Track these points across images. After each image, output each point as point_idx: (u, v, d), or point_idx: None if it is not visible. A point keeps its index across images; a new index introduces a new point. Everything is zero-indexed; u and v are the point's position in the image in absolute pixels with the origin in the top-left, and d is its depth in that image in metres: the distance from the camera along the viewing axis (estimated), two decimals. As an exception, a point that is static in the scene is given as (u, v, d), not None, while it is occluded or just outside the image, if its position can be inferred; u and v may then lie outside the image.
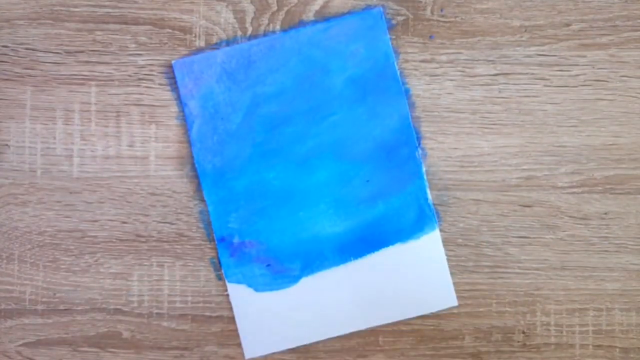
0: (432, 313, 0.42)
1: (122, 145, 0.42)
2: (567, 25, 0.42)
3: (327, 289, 0.42)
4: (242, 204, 0.42)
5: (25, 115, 0.42)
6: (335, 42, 0.42)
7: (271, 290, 0.42)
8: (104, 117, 0.42)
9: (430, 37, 0.42)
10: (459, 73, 0.42)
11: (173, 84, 0.42)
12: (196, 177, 0.42)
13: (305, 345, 0.42)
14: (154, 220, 0.42)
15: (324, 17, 0.42)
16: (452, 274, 0.42)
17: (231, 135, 0.42)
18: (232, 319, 0.42)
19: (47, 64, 0.42)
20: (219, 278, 0.42)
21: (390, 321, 0.42)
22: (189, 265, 0.42)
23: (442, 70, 0.42)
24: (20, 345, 0.42)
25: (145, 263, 0.42)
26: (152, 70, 0.42)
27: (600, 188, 0.42)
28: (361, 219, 0.42)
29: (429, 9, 0.42)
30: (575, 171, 0.42)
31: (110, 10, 0.42)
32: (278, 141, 0.42)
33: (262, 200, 0.42)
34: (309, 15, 0.42)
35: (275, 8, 0.42)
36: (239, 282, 0.42)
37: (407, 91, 0.42)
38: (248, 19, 0.42)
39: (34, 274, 0.42)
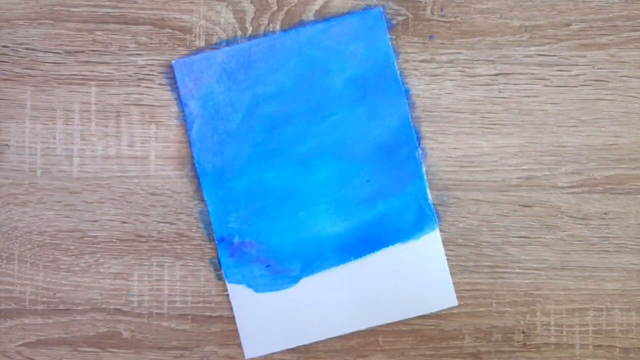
0: (432, 313, 0.42)
1: (122, 145, 0.42)
2: (567, 25, 0.42)
3: (327, 289, 0.42)
4: (242, 204, 0.42)
5: (25, 115, 0.42)
6: (335, 42, 0.42)
7: (271, 290, 0.42)
8: (104, 117, 0.42)
9: (430, 37, 0.42)
10: (459, 73, 0.42)
11: (173, 84, 0.42)
12: (196, 177, 0.42)
13: (305, 345, 0.42)
14: (154, 220, 0.42)
15: (324, 17, 0.42)
16: (452, 274, 0.42)
17: (231, 135, 0.42)
18: (232, 319, 0.42)
19: (47, 64, 0.42)
20: (219, 278, 0.42)
21: (390, 321, 0.42)
22: (189, 265, 0.42)
23: (442, 70, 0.42)
24: (20, 345, 0.42)
25: (145, 263, 0.42)
26: (152, 70, 0.42)
27: (600, 188, 0.42)
28: (361, 219, 0.42)
29: (429, 9, 0.42)
30: (575, 171, 0.42)
31: (110, 10, 0.42)
32: (278, 141, 0.42)
33: (262, 200, 0.42)
34: (309, 15, 0.42)
35: (275, 8, 0.42)
36: (238, 282, 0.42)
37: (407, 91, 0.42)
38: (248, 19, 0.42)
39: (34, 274, 0.42)
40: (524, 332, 0.42)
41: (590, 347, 0.42)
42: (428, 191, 0.42)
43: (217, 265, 0.42)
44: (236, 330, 0.42)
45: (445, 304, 0.42)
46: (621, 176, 0.42)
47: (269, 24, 0.42)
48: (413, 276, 0.42)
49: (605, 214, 0.42)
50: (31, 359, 0.42)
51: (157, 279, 0.42)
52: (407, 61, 0.42)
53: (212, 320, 0.42)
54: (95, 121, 0.42)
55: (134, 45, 0.42)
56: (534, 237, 0.42)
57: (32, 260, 0.42)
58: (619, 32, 0.42)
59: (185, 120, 0.42)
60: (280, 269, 0.42)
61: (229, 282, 0.42)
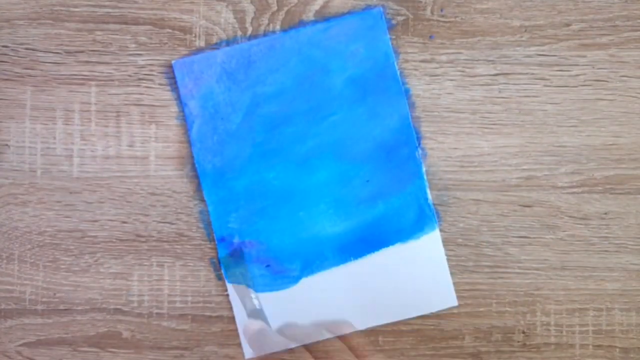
0: (432, 313, 0.42)
1: (122, 145, 0.42)
2: (567, 25, 0.42)
3: (327, 289, 0.42)
4: (242, 204, 0.42)
5: (25, 115, 0.42)
6: (335, 42, 0.42)
7: (271, 290, 0.42)
8: (104, 117, 0.42)
9: (430, 37, 0.42)
10: (459, 73, 0.42)
11: (173, 84, 0.42)
12: (196, 177, 0.42)
13: (305, 345, 0.42)
14: (154, 220, 0.42)
15: (324, 17, 0.42)
16: (452, 274, 0.42)
17: (231, 135, 0.42)
18: (232, 319, 0.42)
19: (47, 64, 0.42)
20: (219, 278, 0.42)
21: (390, 321, 0.42)
22: (189, 265, 0.42)
23: (442, 70, 0.42)
24: (20, 345, 0.42)
25: (145, 263, 0.42)
26: (152, 70, 0.42)
27: (600, 188, 0.42)
28: (361, 219, 0.42)
29: (429, 9, 0.42)
30: (575, 171, 0.42)
31: (110, 10, 0.42)
32: (278, 141, 0.42)
33: (262, 200, 0.42)
34: (309, 15, 0.42)
35: (275, 8, 0.42)
36: (238, 282, 0.42)
37: (407, 91, 0.42)
38: (248, 19, 0.42)
39: (34, 274, 0.42)
40: (524, 332, 0.42)
41: (590, 347, 0.42)
42: (428, 191, 0.42)
43: (217, 265, 0.42)
44: (236, 330, 0.42)
45: (445, 304, 0.42)
46: (621, 176, 0.42)
47: (269, 24, 0.42)
48: (413, 276, 0.42)
49: (605, 214, 0.42)
50: (31, 359, 0.42)
51: (157, 279, 0.42)
52: (407, 61, 0.42)
53: (212, 320, 0.42)
54: (95, 121, 0.42)
55: (134, 45, 0.42)
56: (534, 237, 0.42)
57: (32, 260, 0.42)
58: (619, 32, 0.42)
59: (185, 120, 0.42)
60: (280, 269, 0.42)
61: (229, 282, 0.42)
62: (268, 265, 0.42)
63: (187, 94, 0.42)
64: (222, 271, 0.42)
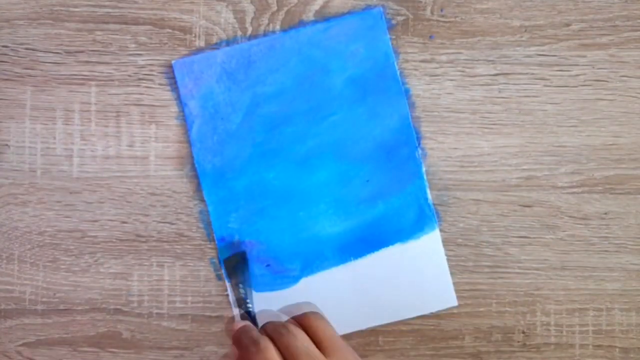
0: (432, 313, 0.42)
1: (122, 145, 0.42)
2: (567, 25, 0.42)
3: (327, 289, 0.42)
4: (242, 204, 0.42)
5: (25, 115, 0.42)
6: (335, 42, 0.42)
7: (271, 290, 0.42)
8: (104, 117, 0.42)
9: (430, 37, 0.42)
10: (459, 73, 0.42)
11: (173, 84, 0.42)
12: (196, 177, 0.42)
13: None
14: (154, 220, 0.42)
15: (324, 17, 0.42)
16: (452, 274, 0.42)
17: (231, 135, 0.42)
18: (231, 320, 0.42)
19: (47, 64, 0.42)
20: (219, 278, 0.42)
21: (390, 321, 0.42)
22: (189, 265, 0.42)
23: (442, 70, 0.42)
24: (20, 345, 0.42)
25: (145, 263, 0.42)
26: (152, 70, 0.42)
27: (600, 188, 0.42)
28: (361, 219, 0.42)
29: (429, 9, 0.42)
30: (575, 171, 0.42)
31: (110, 10, 0.42)
32: (278, 141, 0.42)
33: (262, 200, 0.42)
34: (309, 15, 0.42)
35: (275, 8, 0.42)
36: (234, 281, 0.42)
37: (407, 91, 0.42)
38: (248, 19, 0.42)
39: (34, 274, 0.42)
40: (524, 332, 0.42)
41: (590, 347, 0.42)
42: (428, 191, 0.42)
43: (217, 265, 0.42)
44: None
45: (445, 304, 0.42)
46: (621, 176, 0.42)
47: (269, 24, 0.42)
48: (413, 276, 0.42)
49: (605, 214, 0.42)
50: (31, 359, 0.42)
51: (157, 279, 0.42)
52: (407, 61, 0.42)
53: (212, 320, 0.42)
54: (95, 121, 0.42)
55: (134, 45, 0.42)
56: (534, 237, 0.42)
57: (32, 260, 0.42)
58: (619, 32, 0.42)
59: (185, 120, 0.42)
60: (280, 269, 0.42)
61: (229, 282, 0.42)
62: (268, 265, 0.42)
63: (187, 94, 0.42)
64: (222, 271, 0.42)
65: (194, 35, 0.42)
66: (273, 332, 0.35)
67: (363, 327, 0.42)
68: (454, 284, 0.42)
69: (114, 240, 0.42)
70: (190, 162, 0.42)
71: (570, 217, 0.42)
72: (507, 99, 0.42)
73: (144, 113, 0.42)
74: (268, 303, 0.42)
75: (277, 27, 0.42)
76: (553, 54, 0.42)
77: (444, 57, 0.42)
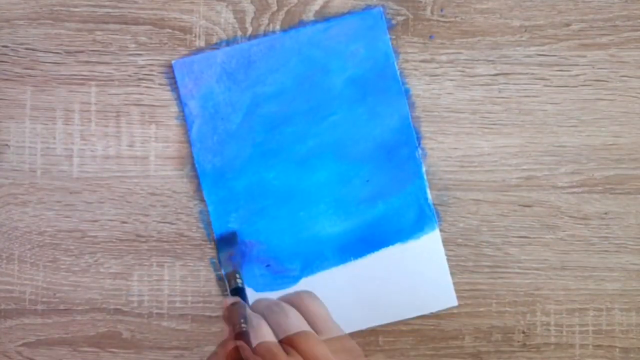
0: (432, 313, 0.42)
1: (122, 145, 0.42)
2: (567, 25, 0.42)
3: (327, 289, 0.42)
4: (242, 204, 0.42)
5: (25, 115, 0.42)
6: (335, 42, 0.42)
7: (271, 290, 0.42)
8: (104, 117, 0.42)
9: (430, 37, 0.42)
10: (459, 73, 0.42)
11: (173, 84, 0.42)
12: (196, 177, 0.42)
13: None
14: (154, 220, 0.42)
15: (324, 17, 0.42)
16: (452, 274, 0.42)
17: (231, 135, 0.42)
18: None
19: (47, 64, 0.42)
20: (219, 278, 0.42)
21: (390, 321, 0.42)
22: (189, 265, 0.42)
23: (442, 70, 0.42)
24: (20, 345, 0.42)
25: (145, 263, 0.42)
26: (152, 70, 0.42)
27: (600, 188, 0.42)
28: (361, 219, 0.42)
29: (429, 9, 0.42)
30: (575, 171, 0.42)
31: (110, 10, 0.42)
32: (278, 141, 0.42)
33: (262, 200, 0.42)
34: (309, 15, 0.42)
35: (275, 8, 0.42)
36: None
37: (407, 91, 0.42)
38: (248, 19, 0.42)
39: (34, 274, 0.42)
40: (524, 332, 0.42)
41: (590, 347, 0.42)
42: (428, 191, 0.42)
43: (217, 265, 0.42)
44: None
45: (445, 304, 0.42)
46: (621, 176, 0.42)
47: (269, 24, 0.42)
48: (413, 276, 0.42)
49: (605, 214, 0.42)
50: (31, 359, 0.42)
51: (157, 279, 0.42)
52: (407, 61, 0.42)
53: (212, 320, 0.42)
54: (95, 121, 0.42)
55: (134, 45, 0.42)
56: (534, 237, 0.42)
57: (32, 260, 0.42)
58: (619, 32, 0.42)
59: (185, 120, 0.42)
60: (280, 269, 0.42)
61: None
62: (268, 265, 0.42)
63: (187, 94, 0.42)
64: (222, 271, 0.42)
65: (194, 35, 0.42)
66: (265, 309, 0.34)
67: (363, 327, 0.42)
68: (454, 284, 0.42)
69: (114, 240, 0.42)
70: (190, 162, 0.42)
71: (570, 217, 0.42)
72: (507, 99, 0.42)
73: (144, 113, 0.42)
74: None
75: (277, 27, 0.42)
76: (553, 54, 0.42)
77: (444, 57, 0.42)
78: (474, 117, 0.42)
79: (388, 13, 0.42)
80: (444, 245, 0.42)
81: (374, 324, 0.42)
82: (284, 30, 0.42)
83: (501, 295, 0.42)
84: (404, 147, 0.42)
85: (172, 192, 0.42)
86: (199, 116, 0.42)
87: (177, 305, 0.42)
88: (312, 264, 0.42)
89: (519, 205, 0.42)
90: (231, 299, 0.36)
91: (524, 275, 0.42)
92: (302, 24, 0.42)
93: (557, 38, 0.42)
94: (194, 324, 0.42)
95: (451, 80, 0.42)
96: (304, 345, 0.32)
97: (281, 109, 0.42)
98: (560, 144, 0.42)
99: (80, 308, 0.42)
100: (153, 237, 0.42)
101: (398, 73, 0.42)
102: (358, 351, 0.34)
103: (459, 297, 0.42)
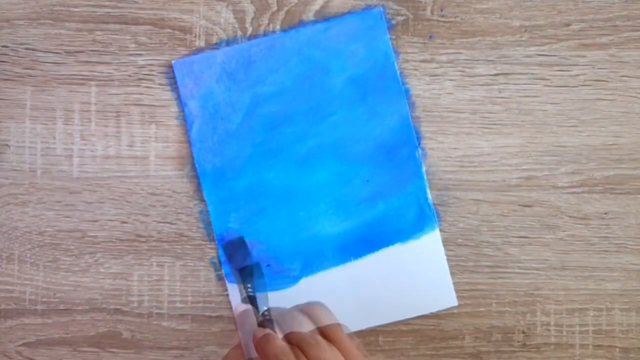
0: (432, 313, 0.42)
1: (122, 145, 0.42)
2: (567, 25, 0.42)
3: (327, 289, 0.42)
4: (242, 204, 0.42)
5: (25, 115, 0.42)
6: (335, 42, 0.42)
7: (271, 290, 0.42)
8: (104, 117, 0.42)
9: (430, 37, 0.42)
10: (459, 73, 0.42)
11: (173, 84, 0.42)
12: (196, 177, 0.42)
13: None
14: (154, 220, 0.42)
15: (324, 17, 0.42)
16: (452, 274, 0.42)
17: (231, 135, 0.42)
18: (232, 319, 0.42)
19: (47, 64, 0.42)
20: (219, 278, 0.42)
21: (390, 321, 0.42)
22: (189, 265, 0.42)
23: (442, 70, 0.42)
24: (20, 345, 0.42)
25: (145, 263, 0.42)
26: (152, 70, 0.42)
27: (600, 188, 0.42)
28: (361, 219, 0.42)
29: (429, 9, 0.42)
30: (575, 171, 0.42)
31: (110, 10, 0.42)
32: (278, 141, 0.42)
33: (262, 200, 0.42)
34: (309, 15, 0.42)
35: (275, 8, 0.42)
36: (239, 282, 0.42)
37: (407, 91, 0.42)
38: (248, 19, 0.42)
39: (34, 274, 0.42)
40: (524, 332, 0.42)
41: (590, 347, 0.42)
42: (428, 191, 0.42)
43: (217, 265, 0.42)
44: (236, 330, 0.42)
45: (445, 304, 0.42)
46: (621, 176, 0.42)
47: (269, 24, 0.42)
48: (413, 276, 0.42)
49: (605, 214, 0.42)
50: (31, 359, 0.42)
51: (157, 279, 0.42)
52: (407, 61, 0.42)
53: (212, 320, 0.42)
54: (95, 121, 0.42)
55: (134, 45, 0.42)
56: (534, 237, 0.42)
57: (32, 260, 0.42)
58: (619, 32, 0.42)
59: (185, 120, 0.42)
60: (280, 269, 0.42)
61: (229, 282, 0.42)
62: (268, 265, 0.42)
63: (187, 94, 0.42)
64: (222, 271, 0.42)
65: (194, 35, 0.42)
66: (301, 342, 0.34)
67: (363, 327, 0.42)
68: (454, 284, 0.42)
69: (114, 240, 0.42)
70: (190, 162, 0.42)
71: (570, 217, 0.42)
72: (507, 99, 0.42)
73: (144, 113, 0.42)
74: (268, 303, 0.42)
75: (277, 27, 0.42)
76: (553, 54, 0.42)
77: (444, 57, 0.42)
78: (474, 117, 0.42)
79: (388, 13, 0.42)
80: (444, 245, 0.42)
81: (374, 324, 0.42)
82: (284, 30, 0.42)
83: (501, 295, 0.42)
84: (404, 147, 0.42)
85: (172, 192, 0.42)
86: (199, 116, 0.42)
87: (177, 305, 0.42)
88: (312, 264, 0.42)
89: (519, 205, 0.42)
90: (241, 307, 0.37)
91: (524, 275, 0.42)
92: (302, 24, 0.42)
93: (557, 38, 0.42)
94: (194, 324, 0.42)
95: (451, 80, 0.42)
96: (338, 335, 0.33)
97: (281, 109, 0.42)
98: (560, 144, 0.42)
99: (80, 308, 0.42)
100: (153, 237, 0.42)
101: (398, 73, 0.42)
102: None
103: (459, 297, 0.42)
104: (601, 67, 0.42)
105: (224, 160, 0.42)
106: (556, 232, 0.42)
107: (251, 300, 0.38)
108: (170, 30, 0.42)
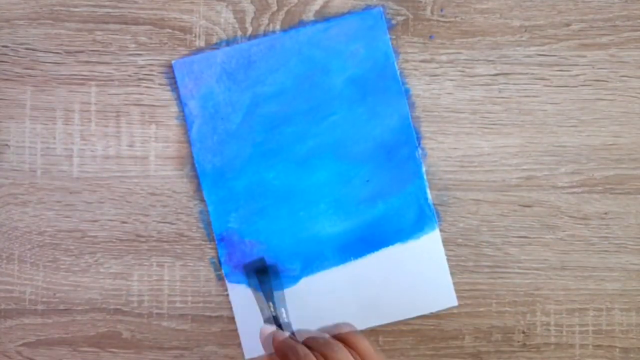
0: (432, 313, 0.42)
1: (122, 145, 0.42)
2: (567, 25, 0.42)
3: (327, 289, 0.42)
4: (242, 204, 0.42)
5: (25, 115, 0.42)
6: (335, 42, 0.42)
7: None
8: (104, 117, 0.42)
9: (430, 37, 0.42)
10: (459, 73, 0.42)
11: (173, 84, 0.42)
12: (196, 177, 0.42)
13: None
14: (154, 220, 0.42)
15: (324, 17, 0.42)
16: (452, 274, 0.42)
17: (231, 135, 0.42)
18: (232, 319, 0.42)
19: (47, 64, 0.42)
20: (219, 278, 0.42)
21: (390, 321, 0.42)
22: (189, 265, 0.42)
23: (442, 70, 0.42)
24: (20, 345, 0.42)
25: (145, 263, 0.42)
26: (152, 70, 0.42)
27: (600, 188, 0.42)
28: (361, 219, 0.42)
29: (429, 9, 0.42)
30: (575, 171, 0.42)
31: (110, 10, 0.42)
32: (278, 141, 0.42)
33: (262, 200, 0.42)
34: (309, 15, 0.42)
35: (275, 8, 0.42)
36: (238, 282, 0.42)
37: (407, 91, 0.42)
38: (248, 19, 0.42)
39: (34, 274, 0.42)
40: (524, 332, 0.42)
41: (590, 347, 0.42)
42: (428, 191, 0.42)
43: (217, 265, 0.42)
44: (236, 330, 0.42)
45: (445, 304, 0.42)
46: (621, 176, 0.42)
47: (269, 24, 0.42)
48: (413, 276, 0.42)
49: (605, 214, 0.42)
50: (31, 359, 0.42)
51: (157, 279, 0.42)
52: (407, 61, 0.42)
53: (212, 320, 0.42)
54: (95, 121, 0.42)
55: (134, 45, 0.42)
56: (534, 237, 0.42)
57: (32, 260, 0.42)
58: (619, 32, 0.42)
59: (185, 120, 0.42)
60: (281, 269, 0.42)
61: (229, 282, 0.42)
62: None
63: (187, 94, 0.42)
64: (222, 271, 0.42)
65: (194, 35, 0.42)
66: (322, 346, 0.34)
67: (363, 327, 0.42)
68: (454, 284, 0.42)
69: (114, 240, 0.42)
70: (190, 162, 0.42)
71: (570, 217, 0.42)
72: (507, 99, 0.42)
73: (144, 113, 0.42)
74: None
75: (277, 27, 0.42)
76: (553, 54, 0.42)
77: (444, 57, 0.42)
78: (474, 117, 0.42)
79: (388, 13, 0.42)
80: (444, 245, 0.42)
81: (374, 324, 0.42)
82: (284, 30, 0.42)
83: (501, 295, 0.42)
84: (404, 147, 0.42)
85: (172, 192, 0.42)
86: (199, 116, 0.42)
87: (177, 305, 0.42)
88: (312, 264, 0.42)
89: (519, 205, 0.42)
90: (268, 328, 0.38)
91: (524, 275, 0.42)
92: (302, 24, 0.42)
93: (557, 38, 0.42)
94: (194, 324, 0.42)
95: (451, 80, 0.42)
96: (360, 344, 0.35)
97: (281, 109, 0.42)
98: (560, 144, 0.42)
99: (80, 308, 0.42)
100: (153, 237, 0.42)
101: (398, 73, 0.42)
102: None
103: (459, 297, 0.42)
104: (601, 67, 0.42)
105: (224, 160, 0.42)
106: (556, 232, 0.42)
107: (275, 320, 0.39)
108: (170, 30, 0.42)
